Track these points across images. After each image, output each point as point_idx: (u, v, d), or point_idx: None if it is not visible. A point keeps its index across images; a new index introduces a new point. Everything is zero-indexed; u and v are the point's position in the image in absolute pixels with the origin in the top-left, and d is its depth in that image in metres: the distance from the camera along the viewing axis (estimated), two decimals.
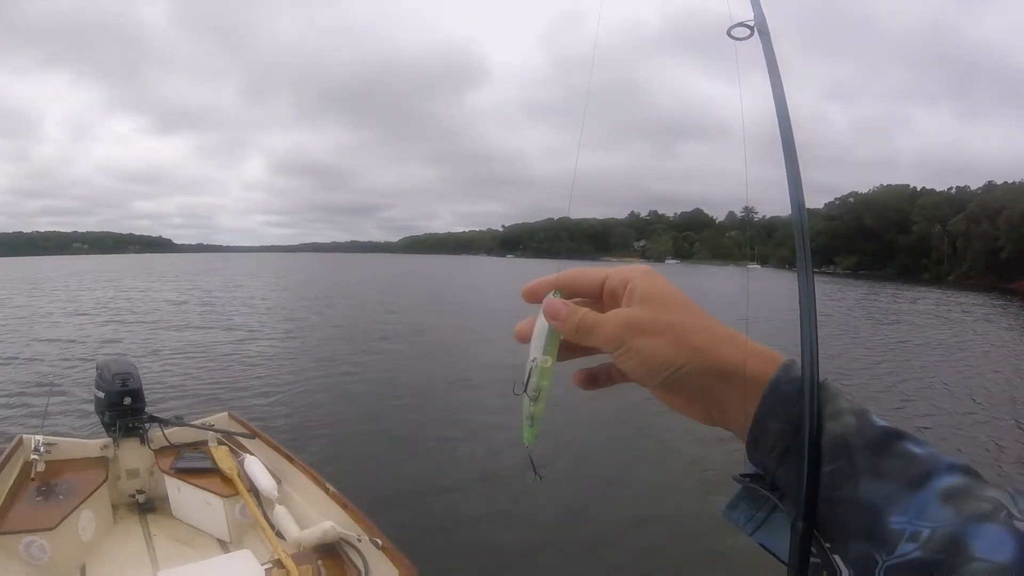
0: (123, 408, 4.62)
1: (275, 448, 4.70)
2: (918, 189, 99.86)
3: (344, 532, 3.44)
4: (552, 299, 0.59)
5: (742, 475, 0.56)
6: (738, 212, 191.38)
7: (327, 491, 3.94)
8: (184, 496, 4.42)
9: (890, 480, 0.46)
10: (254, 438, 4.87)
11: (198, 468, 4.48)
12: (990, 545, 0.40)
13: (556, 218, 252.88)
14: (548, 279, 0.61)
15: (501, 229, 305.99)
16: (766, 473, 0.54)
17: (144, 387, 4.86)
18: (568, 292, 0.61)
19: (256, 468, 4.34)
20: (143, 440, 4.73)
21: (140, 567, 4.02)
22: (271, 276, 65.79)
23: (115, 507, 4.55)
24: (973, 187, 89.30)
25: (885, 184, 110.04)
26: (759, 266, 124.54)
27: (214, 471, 4.42)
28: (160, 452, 4.70)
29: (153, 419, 4.78)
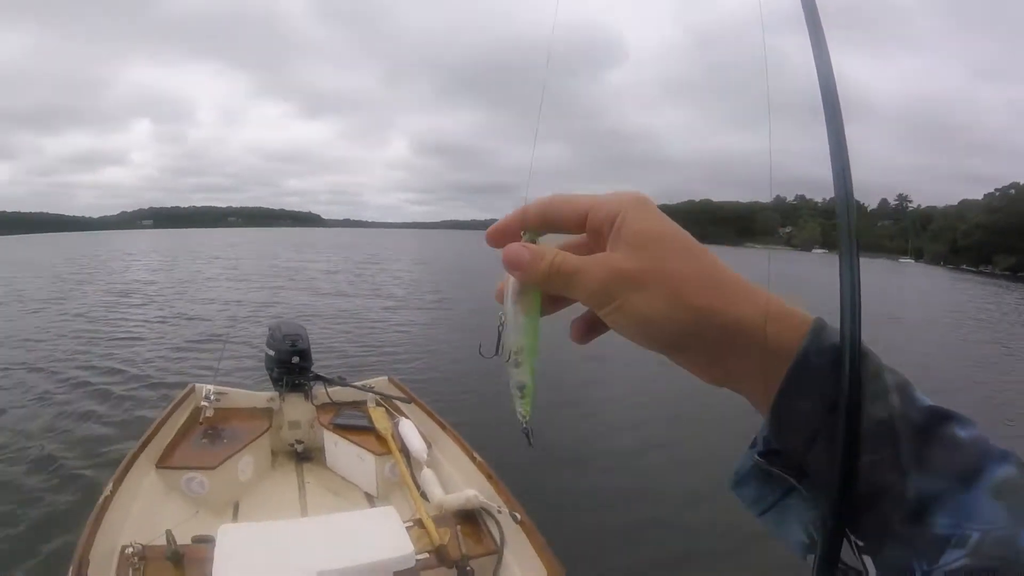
0: (291, 366, 5.00)
1: (429, 414, 4.86)
2: None
3: (485, 501, 3.49)
4: (512, 244, 0.49)
5: (761, 453, 0.49)
6: (891, 200, 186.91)
7: (473, 459, 4.05)
8: (339, 450, 4.73)
9: (937, 474, 0.40)
10: (410, 403, 5.06)
11: (355, 425, 4.75)
12: None
13: (697, 200, 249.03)
14: (514, 214, 0.51)
15: None
16: (792, 456, 0.47)
17: (311, 348, 5.20)
18: (543, 230, 0.52)
19: (409, 431, 4.50)
20: (307, 396, 5.12)
21: (290, 509, 4.39)
22: (420, 251, 68.68)
23: (274, 454, 4.99)
24: None
25: None
26: (912, 260, 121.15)
27: (370, 430, 4.68)
28: (321, 408, 5.06)
29: (318, 378, 5.14)
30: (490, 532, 3.38)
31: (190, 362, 11.44)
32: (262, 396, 5.23)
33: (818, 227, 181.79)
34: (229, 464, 4.33)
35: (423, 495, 3.91)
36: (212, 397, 4.91)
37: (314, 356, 5.22)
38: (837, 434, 0.41)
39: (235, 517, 4.27)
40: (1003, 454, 0.40)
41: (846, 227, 0.46)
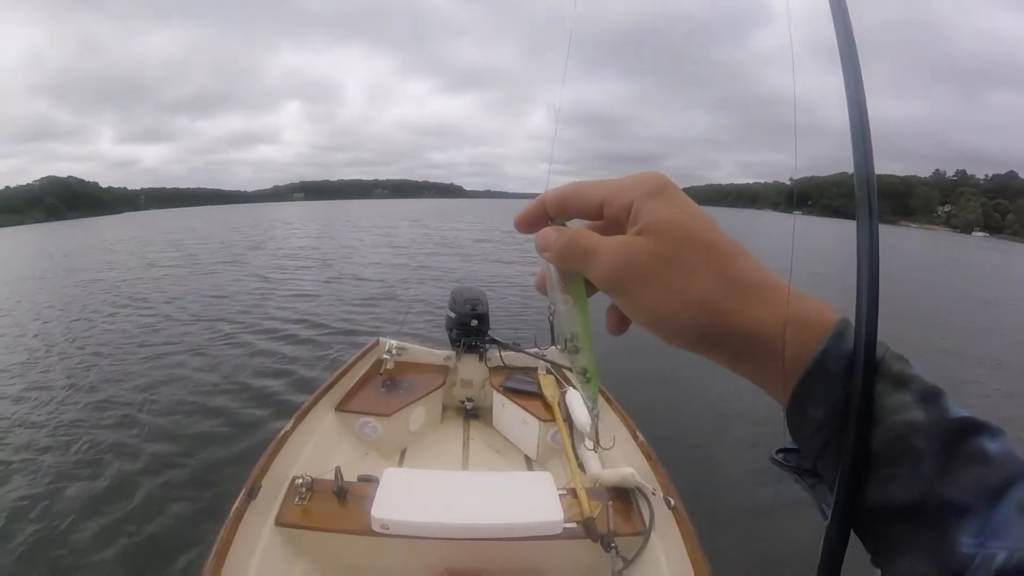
0: (469, 328, 5.21)
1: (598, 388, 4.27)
2: None
3: (641, 481, 3.37)
4: (544, 228, 0.49)
5: (781, 450, 0.49)
6: None
7: (636, 438, 3.90)
8: (506, 412, 4.82)
9: (963, 490, 0.38)
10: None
11: (524, 390, 4.81)
12: None
13: (850, 173, 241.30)
14: (535, 201, 0.51)
15: (788, 182, 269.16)
16: (807, 458, 0.47)
17: (489, 313, 5.35)
18: (562, 217, 0.50)
19: (576, 402, 4.40)
20: (481, 358, 5.31)
21: (452, 461, 4.56)
22: None
23: (445, 408, 5.19)
24: None
25: None
26: None
27: (538, 396, 4.72)
28: (494, 370, 5.20)
29: (494, 341, 5.29)
30: (640, 513, 3.27)
31: (360, 319, 12.42)
32: (440, 354, 5.42)
33: (980, 207, 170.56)
34: (402, 414, 4.59)
35: (580, 466, 3.86)
36: (394, 351, 5.20)
37: (492, 321, 5.39)
38: (844, 445, 0.41)
39: (401, 463, 4.49)
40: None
41: (866, 210, 0.48)
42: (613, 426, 4.25)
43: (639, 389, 7.18)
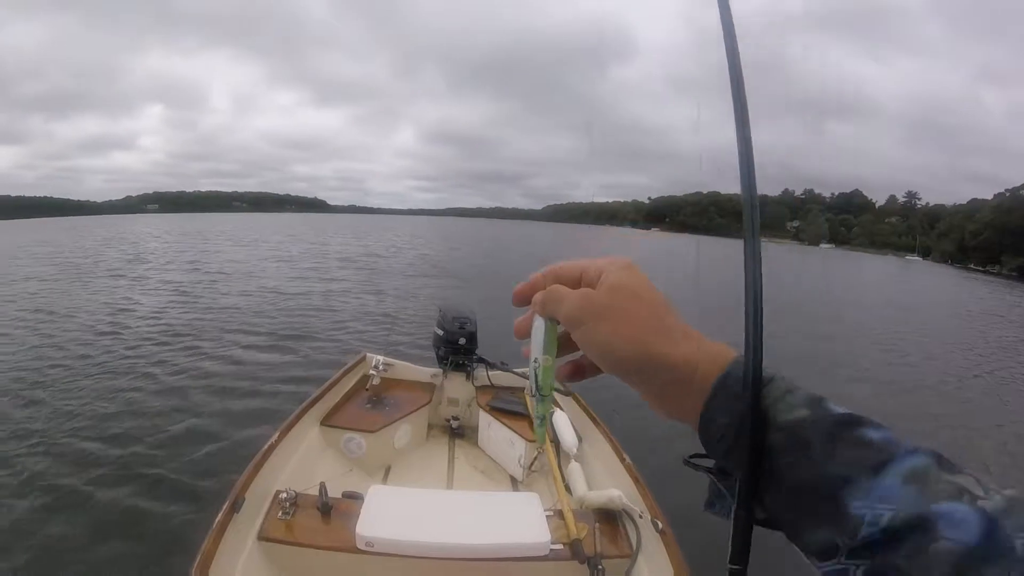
0: (457, 347, 5.16)
1: (584, 408, 4.77)
2: None
3: (628, 504, 3.36)
4: (536, 294, 0.64)
5: (690, 456, 0.60)
6: (900, 196, 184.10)
7: (622, 460, 3.89)
8: (492, 431, 4.81)
9: (848, 466, 0.46)
10: (568, 395, 4.97)
11: (511, 410, 4.77)
12: (955, 524, 0.42)
13: (705, 192, 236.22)
14: (536, 277, 0.66)
15: (647, 201, 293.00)
16: (715, 458, 0.58)
17: (478, 332, 5.31)
18: (555, 282, 0.64)
19: (563, 422, 4.44)
20: (468, 376, 5.27)
21: (437, 480, 4.55)
22: (444, 235, 68.03)
23: (430, 427, 5.16)
24: None
25: None
26: (920, 258, 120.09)
27: (524, 416, 4.69)
28: (481, 389, 5.16)
29: (481, 360, 5.23)
30: (627, 536, 3.28)
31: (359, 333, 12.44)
32: (426, 371, 5.42)
33: (826, 222, 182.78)
34: (388, 430, 4.58)
35: (567, 487, 3.84)
36: (381, 367, 5.19)
37: (479, 340, 5.39)
38: (743, 439, 0.52)
39: (385, 480, 4.50)
40: (914, 449, 0.47)
41: (751, 239, 0.61)
42: (600, 448, 4.31)
43: (625, 411, 6.88)
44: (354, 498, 3.29)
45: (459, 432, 5.24)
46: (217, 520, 2.83)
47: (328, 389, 4.74)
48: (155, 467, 5.89)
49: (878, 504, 0.44)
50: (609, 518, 3.38)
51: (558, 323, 0.63)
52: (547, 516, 3.10)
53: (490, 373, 5.20)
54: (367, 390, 5.01)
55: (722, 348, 0.57)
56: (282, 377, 9.18)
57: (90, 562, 4.40)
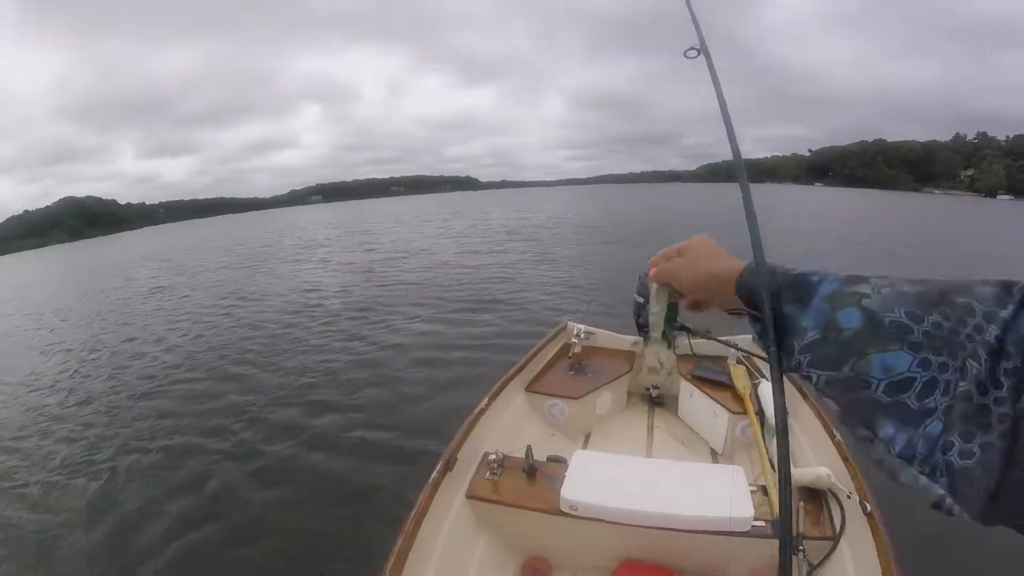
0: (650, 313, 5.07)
1: (792, 381, 4.30)
2: None
3: (836, 483, 3.20)
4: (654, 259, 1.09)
5: (728, 310, 0.96)
6: None
7: (832, 437, 3.73)
8: (694, 401, 4.73)
9: (799, 301, 0.79)
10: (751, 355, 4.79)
11: (714, 380, 4.71)
12: (847, 319, 0.70)
13: (871, 140, 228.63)
14: (659, 254, 1.09)
15: (808, 154, 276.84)
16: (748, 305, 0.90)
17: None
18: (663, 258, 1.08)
19: (769, 394, 4.10)
20: (670, 344, 5.04)
21: (636, 448, 4.50)
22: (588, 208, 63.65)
23: (630, 394, 5.18)
24: None
25: None
26: None
27: (728, 386, 4.61)
28: (682, 358, 5.10)
29: (683, 328, 3.49)
30: (831, 517, 3.12)
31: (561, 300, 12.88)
32: (627, 339, 5.41)
33: (1003, 169, 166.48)
34: (589, 397, 4.65)
35: (771, 463, 3.64)
36: (582, 335, 5.28)
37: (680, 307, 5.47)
38: (767, 292, 0.84)
39: (585, 445, 4.54)
40: (835, 277, 0.77)
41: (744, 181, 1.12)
42: (808, 423, 4.15)
43: None
44: (558, 461, 3.41)
45: (659, 401, 5.18)
46: (432, 478, 3.04)
47: (532, 357, 4.87)
48: (374, 432, 6.39)
49: (813, 318, 0.76)
50: (814, 497, 3.24)
51: (667, 285, 1.11)
52: (751, 491, 3.02)
53: (692, 341, 4.58)
54: (569, 358, 5.12)
55: (742, 261, 0.94)
56: (480, 345, 9.62)
57: (314, 517, 4.92)
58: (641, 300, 4.37)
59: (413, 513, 2.81)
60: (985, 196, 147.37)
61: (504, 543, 3.20)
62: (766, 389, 4.40)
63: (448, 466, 3.18)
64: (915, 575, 2.71)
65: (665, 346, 5.18)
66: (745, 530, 2.81)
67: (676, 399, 5.00)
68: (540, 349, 5.13)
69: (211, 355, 10.20)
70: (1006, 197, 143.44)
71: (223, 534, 4.80)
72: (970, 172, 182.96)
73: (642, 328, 4.34)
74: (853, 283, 0.74)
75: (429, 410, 6.95)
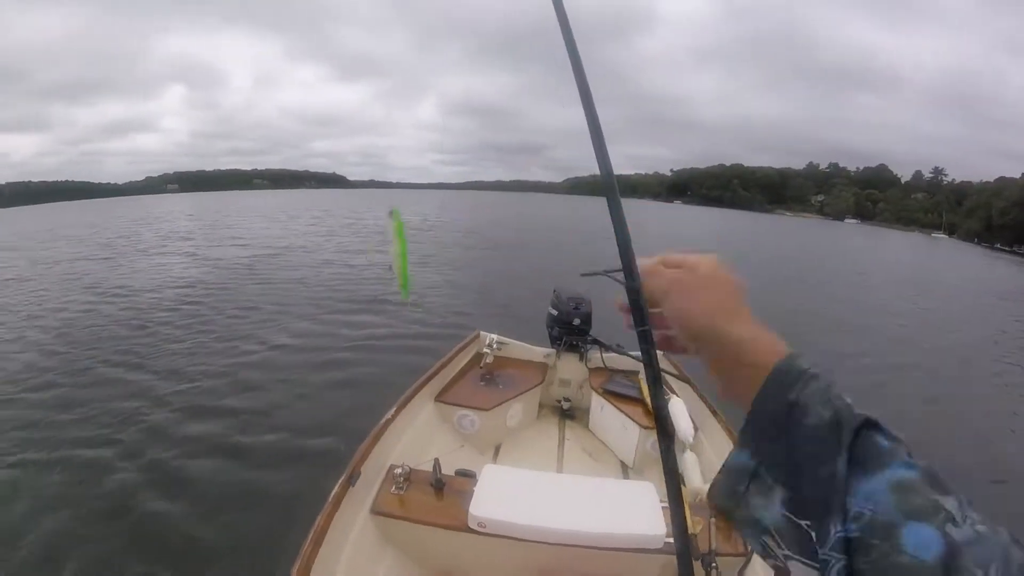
0: (571, 327, 5.09)
1: (700, 396, 4.69)
2: None
3: None
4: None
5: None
6: (926, 172, 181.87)
7: None
8: (605, 415, 4.72)
9: (856, 465, 0.53)
10: (686, 383, 4.86)
11: (625, 394, 4.70)
12: (919, 542, 0.47)
13: (728, 164, 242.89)
14: (654, 259, 0.82)
15: (669, 173, 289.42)
16: (755, 446, 0.62)
17: (592, 314, 5.22)
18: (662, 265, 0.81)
19: (679, 410, 4.32)
20: (582, 358, 5.21)
21: (547, 461, 4.47)
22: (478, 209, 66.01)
23: (542, 406, 5.12)
24: None
25: None
26: (945, 236, 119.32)
27: (639, 401, 4.62)
28: (594, 371, 5.09)
29: (595, 342, 5.15)
30: None
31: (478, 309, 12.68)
32: (539, 351, 5.38)
33: (852, 197, 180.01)
34: (500, 409, 4.57)
35: (681, 479, 3.00)
36: (495, 345, 5.22)
37: (594, 321, 5.30)
38: (791, 426, 0.58)
39: (495, 458, 4.51)
40: (910, 463, 0.53)
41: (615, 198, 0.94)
42: (717, 438, 4.25)
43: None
44: (467, 476, 3.35)
45: (570, 414, 5.19)
46: (333, 492, 2.91)
47: (443, 366, 4.77)
48: (267, 438, 6.09)
49: (864, 503, 0.51)
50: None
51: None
52: (662, 508, 3.01)
53: (604, 355, 5.14)
54: (481, 368, 5.04)
55: (775, 339, 0.66)
56: (372, 346, 9.46)
57: (201, 535, 4.55)
58: (555, 313, 4.43)
59: (313, 530, 2.65)
60: (833, 219, 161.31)
61: (410, 561, 3.11)
62: (676, 405, 4.41)
63: (351, 480, 3.04)
64: None
65: (578, 358, 5.23)
66: (658, 547, 2.80)
67: (587, 412, 5.00)
68: (451, 358, 5.01)
69: (79, 355, 9.25)
70: (852, 221, 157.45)
71: (98, 553, 4.37)
72: (821, 197, 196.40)
73: (555, 341, 4.38)
74: (937, 486, 0.52)
75: (325, 413, 6.67)
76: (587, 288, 5.52)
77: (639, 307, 0.80)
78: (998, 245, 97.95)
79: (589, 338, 5.21)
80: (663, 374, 4.67)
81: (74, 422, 6.55)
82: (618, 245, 0.87)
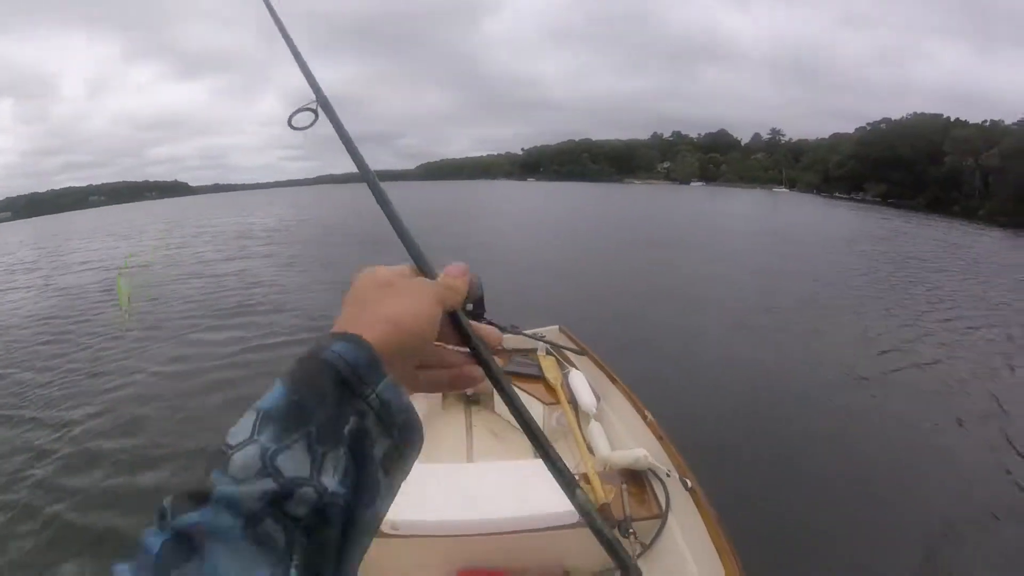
0: (465, 312, 3.20)
1: (600, 366, 4.75)
2: (951, 120, 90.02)
3: (654, 463, 3.31)
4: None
5: None
6: (764, 134, 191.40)
7: (644, 417, 3.83)
8: None
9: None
10: (582, 354, 4.97)
11: (525, 374, 4.75)
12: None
13: (577, 140, 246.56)
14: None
15: (520, 152, 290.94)
16: None
17: (484, 295, 4.46)
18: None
19: (579, 382, 4.44)
20: None
21: (456, 451, 4.46)
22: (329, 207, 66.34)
23: (445, 396, 5.06)
24: (1008, 122, 78.43)
25: (918, 112, 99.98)
26: (787, 190, 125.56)
27: (539, 378, 4.67)
28: (493, 354, 4.25)
29: (491, 324, 2.67)
30: (655, 495, 3.23)
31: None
32: None
33: (696, 161, 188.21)
34: None
35: (589, 449, 3.81)
36: None
37: (488, 304, 5.68)
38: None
39: None
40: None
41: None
42: (620, 406, 4.29)
43: (646, 368, 7.27)
44: None
45: (474, 399, 5.17)
46: None
47: None
48: (164, 477, 5.83)
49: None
50: (636, 479, 3.35)
51: None
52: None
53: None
54: None
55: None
56: (262, 358, 9.33)
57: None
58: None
59: None
60: (680, 183, 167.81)
61: None
62: (577, 378, 4.54)
63: None
64: (742, 538, 2.84)
65: None
66: (572, 522, 2.78)
67: (492, 395, 4.92)
68: None
69: None
70: (698, 183, 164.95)
71: None
72: (667, 164, 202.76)
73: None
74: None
75: (216, 437, 6.31)
76: (476, 270, 5.37)
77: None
78: (837, 194, 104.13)
79: (484, 321, 5.07)
80: (558, 348, 5.06)
81: None
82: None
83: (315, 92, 0.96)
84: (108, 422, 7.23)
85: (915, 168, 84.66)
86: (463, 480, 3.26)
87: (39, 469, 6.17)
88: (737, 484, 4.95)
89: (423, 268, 0.72)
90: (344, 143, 0.91)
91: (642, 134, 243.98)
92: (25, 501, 5.58)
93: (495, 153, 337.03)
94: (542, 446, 0.64)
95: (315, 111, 0.94)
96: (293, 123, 0.93)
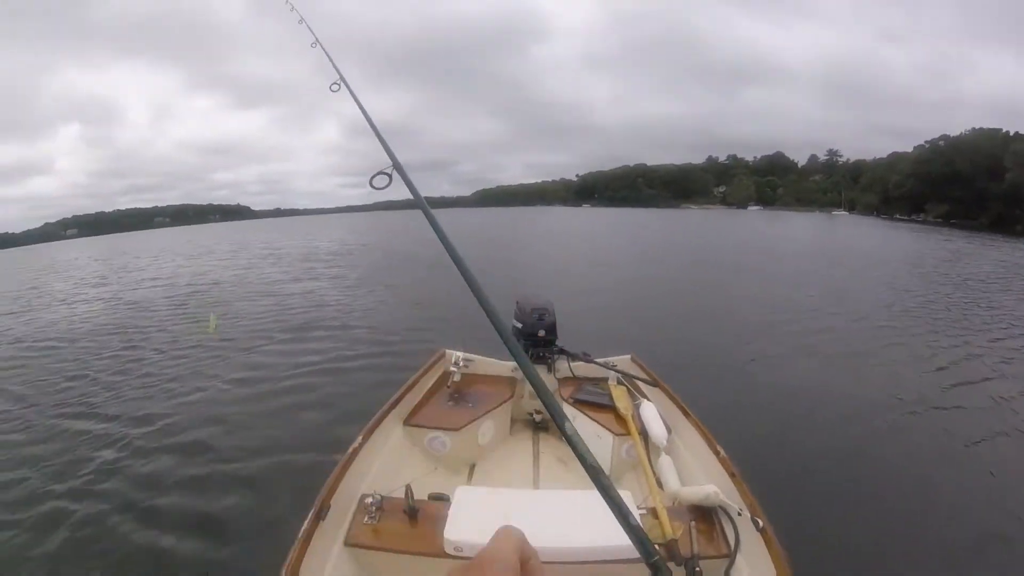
0: (537, 338, 5.07)
1: (672, 398, 4.65)
2: (1010, 134, 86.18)
3: (726, 500, 3.22)
4: None
5: None
6: (820, 155, 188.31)
7: (717, 453, 3.73)
8: (577, 425, 4.01)
9: None
10: (654, 385, 4.89)
11: (596, 402, 4.70)
12: None
13: (631, 165, 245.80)
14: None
15: (575, 178, 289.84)
16: None
17: (557, 322, 5.20)
18: None
19: (650, 413, 4.37)
20: (550, 369, 5.14)
21: (522, 477, 4.43)
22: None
23: (513, 421, 5.09)
24: None
25: (976, 128, 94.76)
26: (846, 212, 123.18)
27: (610, 408, 4.62)
28: (563, 381, 5.05)
29: (562, 352, 5.16)
30: (724, 535, 3.16)
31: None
32: (507, 365, 5.30)
33: (752, 185, 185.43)
34: (471, 427, 4.51)
35: (658, 483, 3.75)
36: (461, 363, 5.14)
37: (561, 331, 5.27)
38: None
39: (470, 478, 4.42)
40: None
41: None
42: (691, 440, 4.18)
43: (717, 400, 7.21)
44: (441, 500, 3.32)
45: (543, 426, 5.13)
46: (303, 529, 2.85)
47: (409, 388, 4.70)
48: (239, 475, 5.95)
49: None
50: (705, 516, 3.28)
51: None
52: (640, 514, 3.03)
53: (572, 364, 5.14)
54: (448, 387, 4.99)
55: None
56: (341, 369, 9.50)
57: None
58: (519, 325, 4.45)
59: (286, 567, 2.59)
60: (737, 208, 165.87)
61: None
62: (648, 409, 4.46)
63: (320, 515, 2.97)
64: None
65: (546, 369, 5.14)
66: (636, 556, 2.72)
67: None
68: (417, 379, 4.94)
69: (19, 413, 8.67)
70: (755, 207, 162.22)
71: None
72: (723, 188, 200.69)
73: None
74: None
75: (289, 444, 6.55)
76: (549, 297, 5.53)
77: None
78: (897, 216, 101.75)
79: (555, 348, 5.21)
80: (630, 378, 5.01)
81: (40, 478, 6.30)
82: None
83: (391, 158, 1.14)
84: (175, 431, 7.42)
85: (975, 185, 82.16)
86: (528, 506, 3.23)
87: (121, 459, 6.53)
88: (809, 525, 4.82)
89: (478, 295, 0.84)
90: (413, 195, 1.14)
91: (696, 158, 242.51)
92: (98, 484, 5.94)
93: (547, 179, 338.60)
94: (598, 479, 0.69)
95: (390, 175, 1.17)
96: (374, 184, 1.21)
